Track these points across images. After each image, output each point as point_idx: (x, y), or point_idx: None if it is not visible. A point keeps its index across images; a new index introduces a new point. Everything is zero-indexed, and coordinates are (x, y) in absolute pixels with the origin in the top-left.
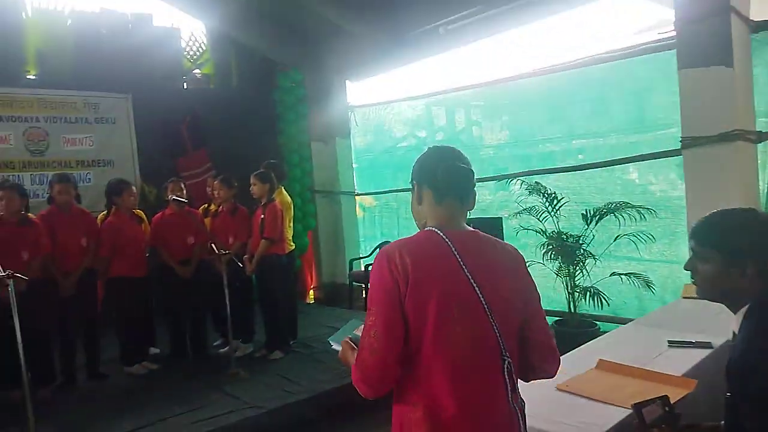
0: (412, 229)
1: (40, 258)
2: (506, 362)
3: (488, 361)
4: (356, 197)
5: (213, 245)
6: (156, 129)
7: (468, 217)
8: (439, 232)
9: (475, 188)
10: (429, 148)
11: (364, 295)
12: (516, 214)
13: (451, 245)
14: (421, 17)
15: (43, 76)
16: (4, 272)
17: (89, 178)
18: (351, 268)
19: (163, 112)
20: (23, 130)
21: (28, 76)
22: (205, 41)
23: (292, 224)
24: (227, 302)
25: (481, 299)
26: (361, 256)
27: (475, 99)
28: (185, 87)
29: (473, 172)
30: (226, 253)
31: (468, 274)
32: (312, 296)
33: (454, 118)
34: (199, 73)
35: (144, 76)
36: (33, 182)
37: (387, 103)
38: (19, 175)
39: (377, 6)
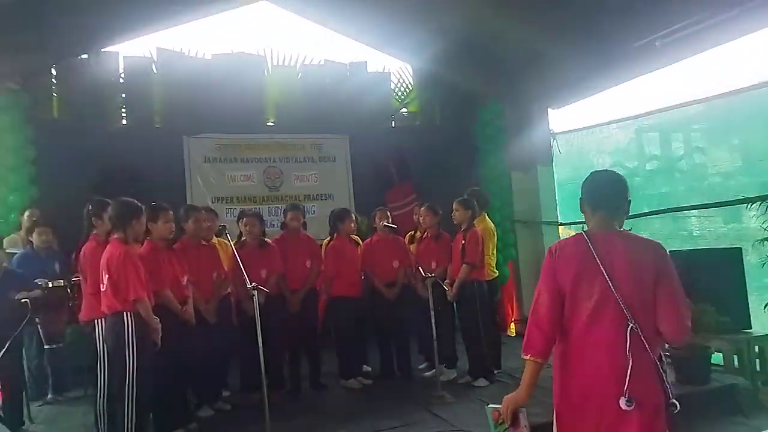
0: None
1: (275, 276)
2: (630, 325)
3: (609, 320)
4: (559, 228)
5: (420, 268)
6: (368, 165)
7: (697, 247)
8: (584, 234)
9: (629, 201)
10: (591, 173)
11: None
12: (761, 241)
13: (589, 241)
14: (632, 32)
15: (278, 123)
16: (251, 284)
17: (314, 210)
18: None
19: (374, 149)
20: (263, 170)
21: (267, 124)
22: (412, 81)
23: (494, 252)
24: (433, 325)
25: (605, 275)
26: None
27: (696, 120)
28: (393, 125)
29: (623, 192)
30: (431, 276)
31: (597, 259)
32: (513, 329)
33: (670, 143)
34: (406, 112)
35: (359, 118)
36: (270, 213)
37: (593, 127)
38: (258, 207)
39: (581, 25)
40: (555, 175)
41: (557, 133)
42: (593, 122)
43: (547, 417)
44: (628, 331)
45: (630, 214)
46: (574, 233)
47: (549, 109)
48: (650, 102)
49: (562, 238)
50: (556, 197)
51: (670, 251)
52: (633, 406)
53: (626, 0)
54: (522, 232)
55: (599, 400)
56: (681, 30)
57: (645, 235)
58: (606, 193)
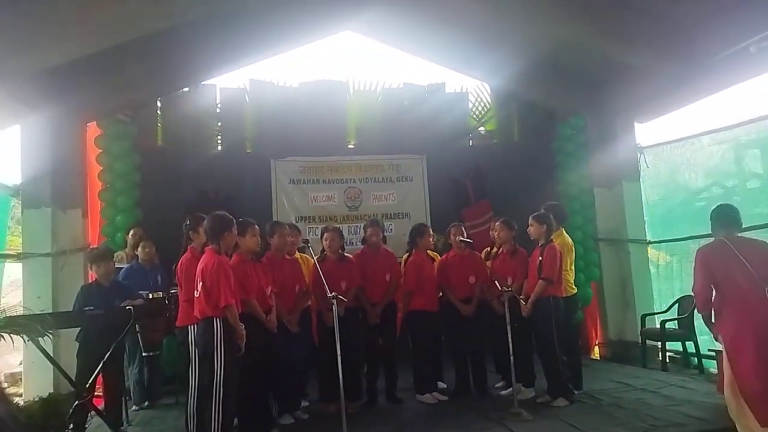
0: None
1: (354, 288)
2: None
3: (752, 290)
4: (648, 247)
5: (496, 283)
6: (444, 183)
7: None
8: (725, 239)
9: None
10: (717, 206)
11: (660, 357)
12: None
13: (729, 243)
14: (723, 39)
15: (358, 145)
16: (330, 294)
17: (391, 229)
18: (644, 325)
19: (451, 168)
20: (344, 190)
21: (349, 146)
22: (489, 100)
23: (573, 267)
24: (509, 342)
25: (745, 263)
26: (655, 311)
27: None
28: (470, 144)
29: (737, 217)
30: (507, 290)
31: (737, 252)
32: (597, 353)
33: None
34: (483, 130)
35: (436, 138)
36: (349, 232)
37: (683, 140)
38: (339, 226)
39: (668, 34)
40: (643, 191)
41: (644, 147)
42: (684, 135)
43: None
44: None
45: None
46: (664, 254)
47: (635, 123)
48: (746, 113)
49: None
50: (644, 214)
51: None
52: None
53: (715, 4)
54: (606, 251)
55: (754, 321)
56: None
57: None
58: (734, 217)
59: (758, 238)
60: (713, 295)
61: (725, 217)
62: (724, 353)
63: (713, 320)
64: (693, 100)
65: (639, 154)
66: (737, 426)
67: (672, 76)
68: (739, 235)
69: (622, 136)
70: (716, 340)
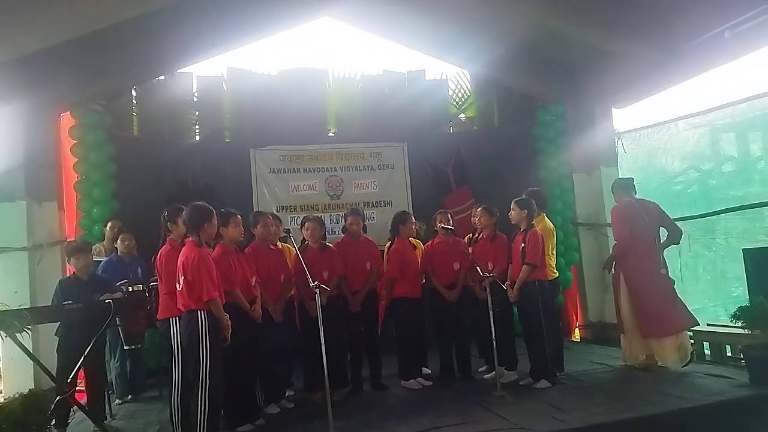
0: (696, 266)
1: (336, 278)
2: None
3: (647, 239)
4: None
5: (478, 269)
6: (425, 171)
7: None
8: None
9: None
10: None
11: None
12: None
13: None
14: (699, 24)
15: (339, 133)
16: (313, 283)
17: (373, 217)
18: None
19: (432, 155)
20: (325, 179)
21: (329, 134)
22: (469, 87)
23: (554, 252)
24: (492, 327)
25: (645, 217)
26: None
27: None
28: (451, 131)
29: (633, 184)
30: (488, 276)
31: (640, 209)
32: (578, 335)
33: (748, 144)
34: (463, 117)
35: (417, 125)
36: (331, 221)
37: (660, 124)
38: (321, 215)
39: (645, 20)
40: (620, 176)
41: (622, 132)
42: (661, 120)
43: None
44: None
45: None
46: None
47: (613, 108)
48: (721, 97)
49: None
50: None
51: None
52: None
53: None
54: (585, 235)
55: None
56: (751, 19)
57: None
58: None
59: (650, 200)
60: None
61: (627, 183)
62: (623, 283)
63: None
64: (669, 85)
65: (617, 140)
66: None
67: (649, 61)
68: (637, 197)
69: (600, 121)
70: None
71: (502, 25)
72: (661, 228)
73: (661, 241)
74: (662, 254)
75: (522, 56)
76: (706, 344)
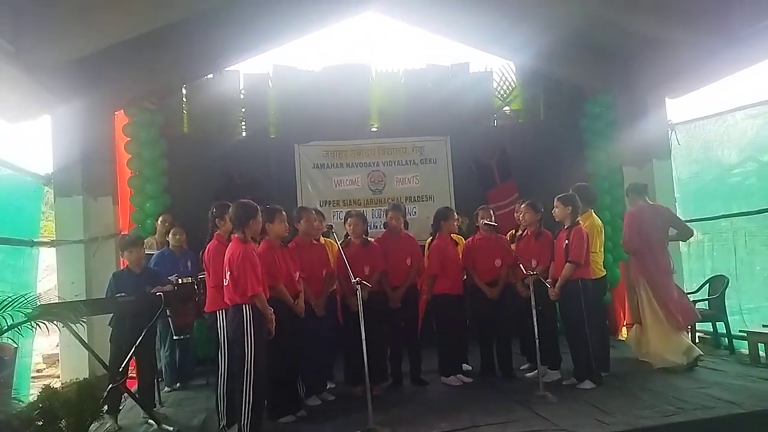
0: (752, 264)
1: (377, 273)
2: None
3: (659, 241)
4: None
5: (521, 266)
6: (469, 165)
7: None
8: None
9: None
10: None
11: (690, 337)
12: None
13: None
14: (759, 9)
15: (382, 128)
16: (354, 279)
17: (415, 212)
18: None
19: (476, 149)
20: (367, 173)
21: (372, 129)
22: (514, 79)
23: (602, 249)
24: (535, 324)
25: (657, 221)
26: (686, 291)
27: None
28: (495, 124)
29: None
30: (532, 273)
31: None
32: (625, 333)
33: None
34: (508, 110)
35: (460, 119)
36: (373, 216)
37: (716, 115)
38: (362, 210)
39: (700, 5)
40: (674, 169)
41: (676, 124)
42: (717, 110)
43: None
44: None
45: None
46: (696, 232)
47: (666, 98)
48: None
49: None
50: (675, 192)
51: None
52: None
53: None
54: None
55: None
56: None
57: None
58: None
59: (663, 204)
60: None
61: (641, 188)
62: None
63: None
64: (727, 74)
65: (670, 131)
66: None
67: (705, 48)
68: (650, 201)
69: (653, 112)
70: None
71: (549, 14)
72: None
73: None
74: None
75: (570, 46)
76: (761, 346)
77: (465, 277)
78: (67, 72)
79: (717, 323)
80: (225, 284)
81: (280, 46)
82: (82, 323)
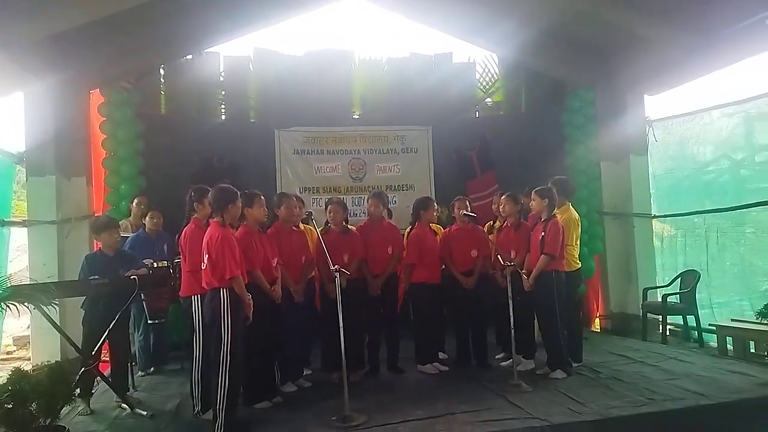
0: (723, 259)
1: (356, 261)
2: None
3: None
4: (653, 221)
5: (499, 257)
6: (450, 155)
7: None
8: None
9: None
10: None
11: (660, 330)
12: None
13: None
14: (739, 10)
15: (363, 115)
16: (333, 267)
17: (395, 201)
18: (645, 298)
19: (457, 139)
20: (348, 161)
21: (353, 116)
22: (497, 71)
23: (578, 242)
24: (511, 315)
25: None
26: (658, 285)
27: None
28: (477, 116)
29: None
30: (510, 265)
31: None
32: (598, 325)
33: None
34: (490, 102)
35: (442, 109)
36: (353, 204)
37: (693, 113)
38: (343, 197)
39: (682, 4)
40: (650, 165)
41: (654, 121)
42: (694, 108)
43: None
44: None
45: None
46: (669, 227)
47: (645, 95)
48: (758, 86)
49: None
50: (650, 188)
51: None
52: None
53: None
54: (611, 224)
55: None
56: None
57: (751, 226)
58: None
59: None
60: None
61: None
62: None
63: None
64: (705, 73)
65: (648, 128)
66: None
67: (685, 47)
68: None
69: (632, 109)
70: None
71: (532, 7)
72: None
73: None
74: None
75: (552, 40)
76: (729, 339)
77: (443, 266)
78: (42, 48)
79: (687, 316)
80: (203, 268)
81: (262, 29)
82: (54, 305)
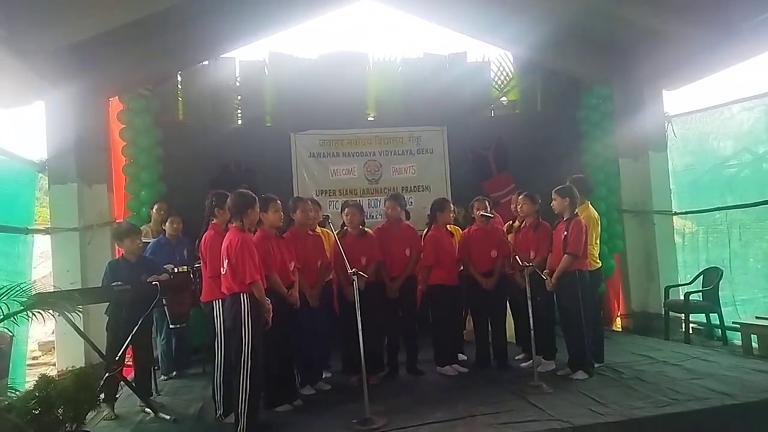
0: (746, 256)
1: (374, 263)
2: None
3: None
4: (674, 217)
5: (517, 258)
6: (465, 156)
7: None
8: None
9: None
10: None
11: (683, 329)
12: None
13: None
14: (759, 2)
15: (378, 117)
16: (351, 270)
17: (411, 202)
18: (667, 297)
19: (472, 139)
20: (364, 163)
21: (368, 118)
22: (512, 69)
23: (598, 241)
24: (530, 316)
25: None
26: (679, 283)
27: None
28: (492, 115)
29: None
30: (529, 265)
31: None
32: (619, 324)
33: None
34: (505, 101)
35: (457, 109)
36: (369, 206)
37: (713, 108)
38: (359, 200)
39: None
40: (669, 161)
41: (673, 116)
42: (714, 103)
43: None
44: None
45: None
46: (690, 224)
47: (663, 90)
48: None
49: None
50: (671, 185)
51: None
52: None
53: None
54: (630, 222)
55: None
56: None
57: None
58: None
59: None
60: None
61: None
62: None
63: None
64: (724, 67)
65: (667, 123)
66: None
67: (703, 41)
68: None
69: (650, 104)
70: None
71: (546, 4)
72: None
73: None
74: None
75: (567, 37)
76: (754, 337)
77: (461, 268)
78: (61, 58)
79: (710, 314)
80: (223, 273)
81: (277, 34)
82: (78, 312)
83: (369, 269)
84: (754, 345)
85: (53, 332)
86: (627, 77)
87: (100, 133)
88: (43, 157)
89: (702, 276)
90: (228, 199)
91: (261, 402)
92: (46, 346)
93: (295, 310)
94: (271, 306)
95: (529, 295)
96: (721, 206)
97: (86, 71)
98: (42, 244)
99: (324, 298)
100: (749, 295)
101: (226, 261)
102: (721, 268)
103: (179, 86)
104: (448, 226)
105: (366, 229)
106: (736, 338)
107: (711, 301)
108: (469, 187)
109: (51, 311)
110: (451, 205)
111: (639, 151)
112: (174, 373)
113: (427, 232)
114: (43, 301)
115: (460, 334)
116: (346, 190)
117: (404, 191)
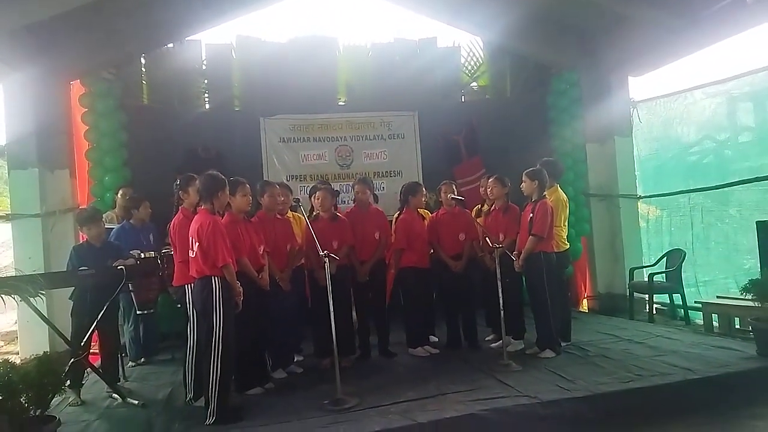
0: (708, 238)
1: (345, 247)
2: None
3: None
4: (638, 202)
5: (487, 240)
6: (436, 141)
7: None
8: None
9: None
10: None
11: (647, 309)
12: None
13: None
14: None
15: (349, 102)
16: (323, 252)
17: (383, 187)
18: (632, 278)
19: (443, 125)
20: (335, 148)
21: (339, 103)
22: (482, 55)
23: (566, 223)
24: (500, 297)
25: None
26: (644, 265)
27: None
28: (462, 100)
29: None
30: (498, 247)
31: None
32: (586, 305)
33: (766, 114)
34: (475, 86)
35: (428, 94)
36: (341, 191)
37: (677, 93)
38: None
39: None
40: (635, 147)
41: (638, 102)
42: (677, 89)
43: (616, 386)
44: None
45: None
46: (655, 208)
47: (629, 77)
48: (739, 66)
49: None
50: (635, 169)
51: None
52: None
53: None
54: (597, 206)
55: None
56: None
57: (735, 205)
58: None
59: None
60: None
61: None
62: None
63: None
64: (688, 53)
65: (632, 109)
66: None
67: (668, 27)
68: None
69: (616, 90)
70: None
71: None
72: None
73: None
74: None
75: (536, 23)
76: (714, 316)
77: (432, 251)
78: (19, 39)
79: (674, 295)
80: (192, 255)
81: (244, 16)
82: (41, 297)
83: (340, 253)
84: (715, 323)
85: (16, 322)
86: (594, 63)
87: (62, 117)
88: (1, 142)
89: (665, 258)
90: (197, 182)
91: (232, 385)
92: (9, 336)
93: (265, 293)
94: (241, 289)
95: (498, 276)
96: (684, 190)
97: (45, 53)
98: (2, 232)
99: (295, 282)
100: (710, 276)
101: (197, 244)
102: (684, 250)
103: (143, 69)
104: (419, 210)
105: (338, 213)
106: (698, 318)
107: (674, 282)
108: (440, 172)
109: (13, 296)
110: (424, 189)
111: (605, 135)
112: (142, 359)
113: (398, 215)
114: (3, 285)
115: (432, 317)
116: (317, 176)
117: (375, 176)
